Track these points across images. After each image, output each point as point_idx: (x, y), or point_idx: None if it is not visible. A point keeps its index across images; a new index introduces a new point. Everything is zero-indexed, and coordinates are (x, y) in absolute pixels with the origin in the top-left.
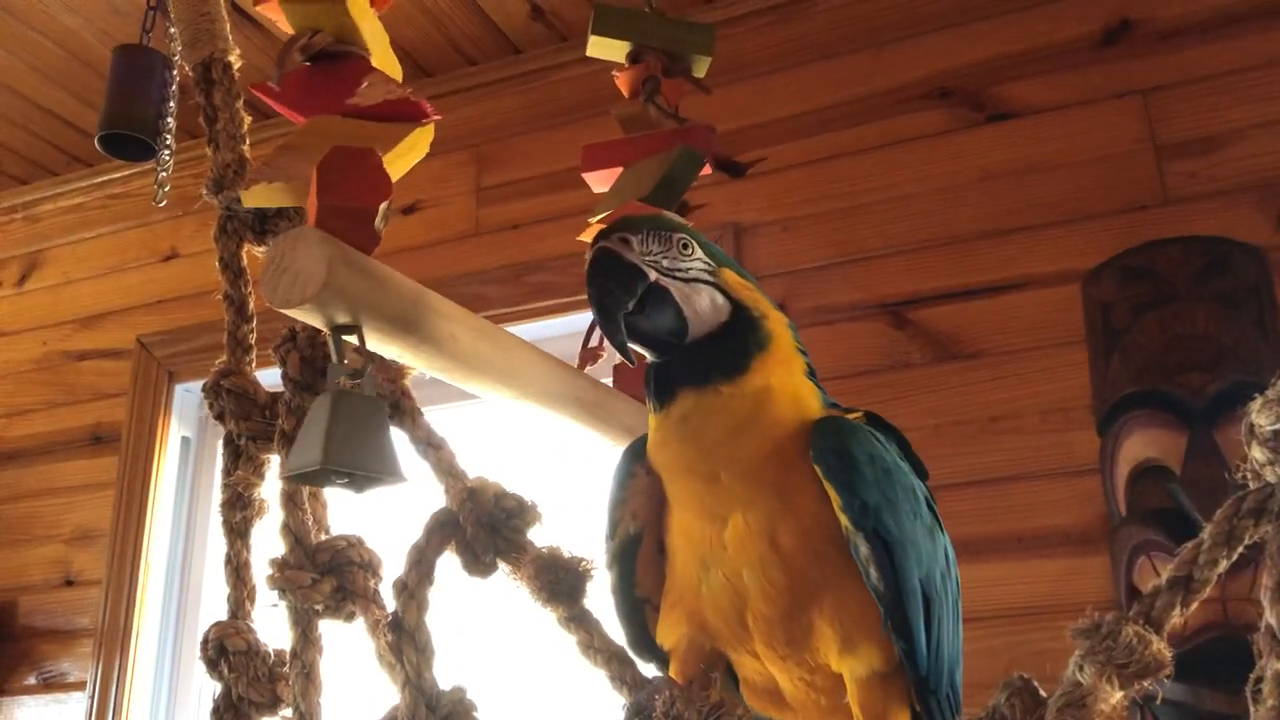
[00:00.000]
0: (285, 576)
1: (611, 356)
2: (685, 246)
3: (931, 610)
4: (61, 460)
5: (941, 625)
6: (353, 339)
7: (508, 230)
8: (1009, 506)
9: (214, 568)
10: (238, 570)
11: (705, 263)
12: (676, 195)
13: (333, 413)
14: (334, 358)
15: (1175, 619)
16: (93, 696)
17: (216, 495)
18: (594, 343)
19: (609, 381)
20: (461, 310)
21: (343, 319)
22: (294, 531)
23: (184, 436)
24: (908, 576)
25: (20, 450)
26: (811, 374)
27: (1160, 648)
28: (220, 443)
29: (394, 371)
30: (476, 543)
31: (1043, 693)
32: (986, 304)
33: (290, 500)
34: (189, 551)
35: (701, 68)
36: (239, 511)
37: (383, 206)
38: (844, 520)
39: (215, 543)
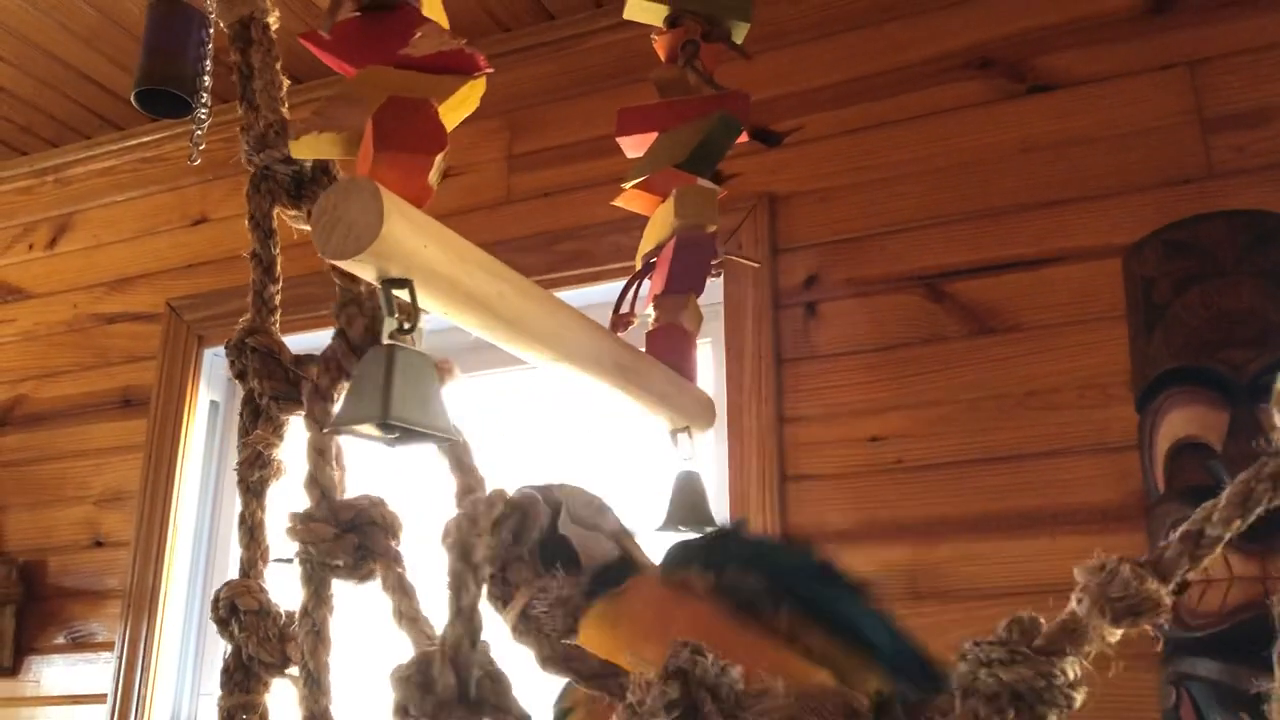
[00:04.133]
0: (308, 529)
1: (643, 324)
2: None
3: None
4: (91, 422)
5: None
6: (403, 294)
7: (539, 198)
8: (1044, 482)
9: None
10: (252, 530)
11: None
12: (713, 161)
13: (389, 366)
14: (384, 312)
15: (1185, 572)
16: (121, 656)
17: None
18: (624, 309)
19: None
20: (508, 269)
21: (395, 272)
22: (321, 485)
23: (212, 400)
24: None
25: (50, 412)
26: None
27: (1156, 588)
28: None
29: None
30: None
31: (1043, 623)
32: (1025, 277)
33: (319, 454)
34: (216, 514)
35: (740, 34)
36: (257, 470)
37: (438, 159)
38: None
39: None
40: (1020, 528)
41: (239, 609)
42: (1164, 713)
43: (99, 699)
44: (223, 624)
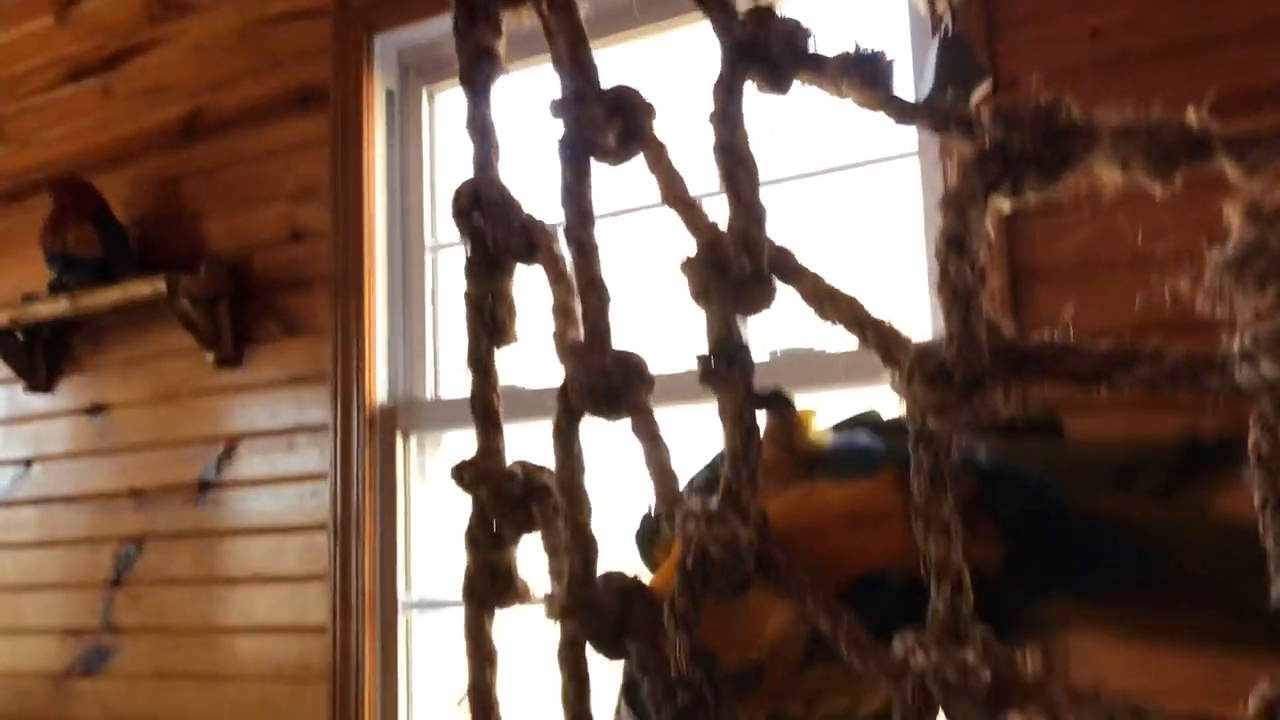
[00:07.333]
0: (578, 106)
1: None
2: None
3: None
4: (273, 123)
5: None
6: None
7: None
8: None
9: (430, 208)
10: (483, 129)
11: None
12: None
13: None
14: None
15: None
16: (336, 339)
17: (425, 144)
18: None
19: None
20: None
21: None
22: (580, 60)
23: (388, 90)
24: None
25: (233, 118)
26: None
27: None
28: (423, 94)
29: None
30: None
31: None
32: None
33: (576, 40)
34: (405, 199)
35: None
36: (482, 69)
37: None
38: None
39: (428, 187)
40: (1270, 103)
41: (481, 197)
42: None
43: (320, 379)
44: (463, 215)
